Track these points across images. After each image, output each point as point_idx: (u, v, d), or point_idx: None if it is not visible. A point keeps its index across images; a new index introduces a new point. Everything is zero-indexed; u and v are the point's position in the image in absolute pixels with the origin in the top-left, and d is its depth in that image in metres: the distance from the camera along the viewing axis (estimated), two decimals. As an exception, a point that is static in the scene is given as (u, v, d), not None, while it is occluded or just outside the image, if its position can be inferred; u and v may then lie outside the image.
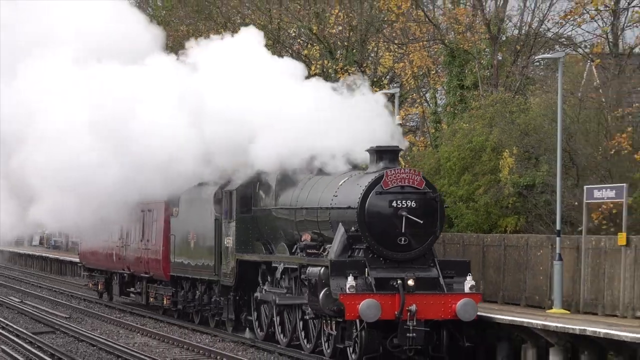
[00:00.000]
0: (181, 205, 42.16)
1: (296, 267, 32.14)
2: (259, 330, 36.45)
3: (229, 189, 37.13)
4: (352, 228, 30.01)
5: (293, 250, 33.63)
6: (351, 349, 29.71)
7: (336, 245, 30.65)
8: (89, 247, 56.94)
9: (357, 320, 28.62)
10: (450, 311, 29.10)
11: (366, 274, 29.39)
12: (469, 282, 29.69)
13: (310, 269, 30.48)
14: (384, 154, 30.76)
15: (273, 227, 35.43)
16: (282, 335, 34.62)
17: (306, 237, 32.72)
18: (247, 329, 37.58)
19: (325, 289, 29.47)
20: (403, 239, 29.52)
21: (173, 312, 44.88)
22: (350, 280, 28.80)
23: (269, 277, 35.32)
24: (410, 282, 29.13)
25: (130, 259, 49.07)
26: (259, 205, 36.38)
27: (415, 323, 28.52)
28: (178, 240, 42.33)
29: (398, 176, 29.62)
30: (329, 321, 30.15)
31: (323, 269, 29.79)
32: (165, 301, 44.80)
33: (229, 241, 36.96)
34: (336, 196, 31.18)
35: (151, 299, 47.06)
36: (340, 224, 30.67)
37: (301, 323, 33.34)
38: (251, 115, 35.29)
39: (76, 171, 38.32)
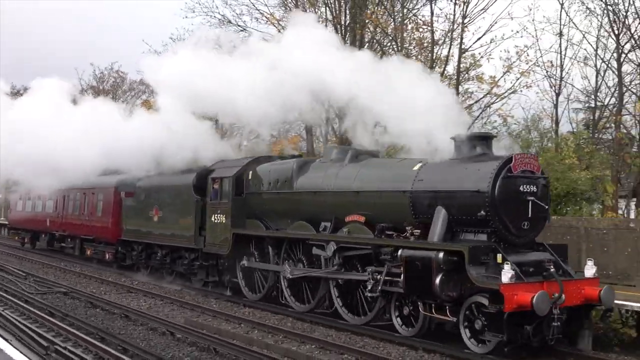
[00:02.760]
0: (138, 189, 20.38)
1: (368, 247, 11.89)
2: (248, 290, 15.51)
3: (221, 176, 16.16)
4: (482, 212, 10.26)
5: (322, 229, 13.19)
6: (474, 339, 10.20)
7: (438, 229, 11.00)
8: (19, 213, 32.21)
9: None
10: (581, 296, 10.06)
11: (497, 259, 10.13)
12: (591, 267, 10.52)
13: (408, 252, 10.67)
14: (479, 140, 11.44)
15: (276, 207, 14.60)
16: (294, 300, 14.11)
17: (356, 217, 12.71)
18: (228, 288, 16.54)
19: (441, 274, 10.18)
20: (526, 224, 10.41)
21: (112, 264, 22.41)
22: (508, 269, 9.33)
23: (269, 250, 14.66)
24: (552, 268, 10.89)
25: (67, 224, 25.88)
26: (250, 190, 15.49)
27: (559, 311, 9.96)
28: (133, 214, 20.47)
29: (523, 160, 10.40)
30: (433, 306, 10.64)
31: (442, 253, 10.47)
32: (107, 256, 22.64)
33: (220, 218, 15.81)
34: (421, 180, 11.40)
35: (88, 252, 24.20)
36: (440, 207, 11.27)
37: (337, 295, 13.09)
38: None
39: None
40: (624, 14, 20.80)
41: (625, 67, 21.08)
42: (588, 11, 21.42)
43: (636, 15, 20.59)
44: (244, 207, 15.61)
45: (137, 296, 16.59)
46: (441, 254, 10.19)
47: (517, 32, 21.65)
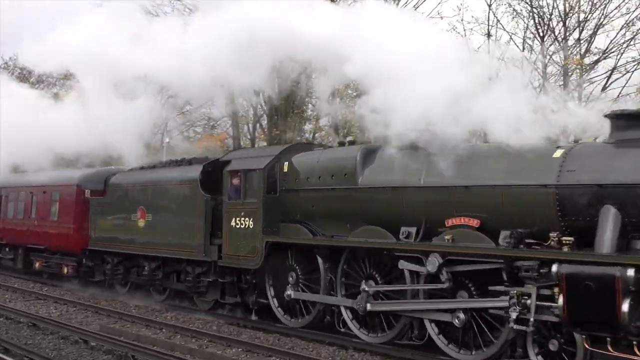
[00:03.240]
0: (112, 187, 16.83)
1: (499, 261, 9.06)
2: (284, 313, 12.64)
3: (245, 169, 12.89)
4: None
5: (404, 235, 10.21)
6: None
7: (609, 235, 8.06)
8: None
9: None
10: None
11: None
12: None
13: (570, 267, 7.84)
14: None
15: (329, 208, 11.53)
16: (358, 326, 11.29)
17: (464, 221, 9.84)
18: (254, 311, 13.63)
19: (629, 298, 7.17)
20: None
21: (72, 279, 18.67)
22: None
23: (319, 264, 11.92)
24: None
25: (6, 231, 21.60)
26: (287, 186, 12.41)
27: None
28: (105, 218, 16.86)
29: None
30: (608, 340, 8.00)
31: (632, 269, 7.34)
32: (66, 270, 18.79)
33: (244, 222, 12.58)
34: (572, 171, 8.66)
35: (36, 265, 20.29)
36: (609, 206, 8.48)
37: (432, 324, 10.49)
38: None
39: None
40: (549, 16, 21.74)
41: (550, 69, 22.02)
42: (515, 13, 22.32)
43: (560, 19, 21.53)
44: (278, 207, 12.63)
45: (46, 303, 15.93)
46: (630, 271, 7.66)
47: (447, 31, 22.23)
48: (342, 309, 11.44)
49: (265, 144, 28.71)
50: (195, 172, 14.29)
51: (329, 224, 11.92)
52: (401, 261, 10.31)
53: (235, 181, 13.30)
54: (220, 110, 37.25)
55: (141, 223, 15.64)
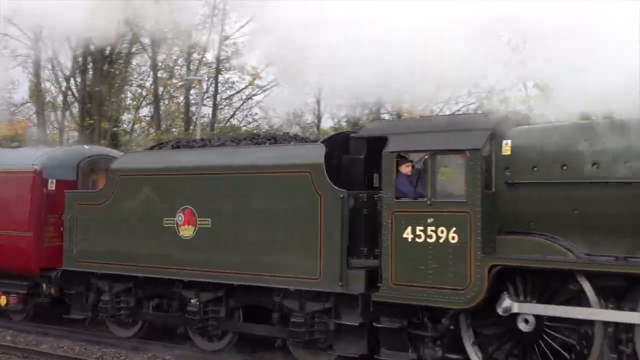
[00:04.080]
0: (111, 175, 10.87)
1: None
2: None
3: (432, 149, 8.14)
4: None
5: None
6: None
7: None
8: None
9: None
10: None
11: None
12: None
13: None
14: None
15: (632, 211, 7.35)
16: None
17: None
18: None
19: None
20: None
21: (15, 313, 12.66)
22: None
23: (590, 302, 7.87)
24: None
25: None
26: (512, 178, 8.04)
27: None
28: (99, 224, 10.97)
29: None
30: None
31: None
32: (5, 301, 12.30)
33: (437, 233, 7.93)
34: None
35: None
36: None
37: None
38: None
39: None
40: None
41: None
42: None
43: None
44: (495, 211, 8.17)
45: None
46: None
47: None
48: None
49: (76, 133, 27.25)
50: (312, 154, 9.24)
51: (600, 239, 7.69)
52: None
53: (406, 169, 8.61)
54: (23, 96, 32.77)
55: (187, 232, 10.16)
